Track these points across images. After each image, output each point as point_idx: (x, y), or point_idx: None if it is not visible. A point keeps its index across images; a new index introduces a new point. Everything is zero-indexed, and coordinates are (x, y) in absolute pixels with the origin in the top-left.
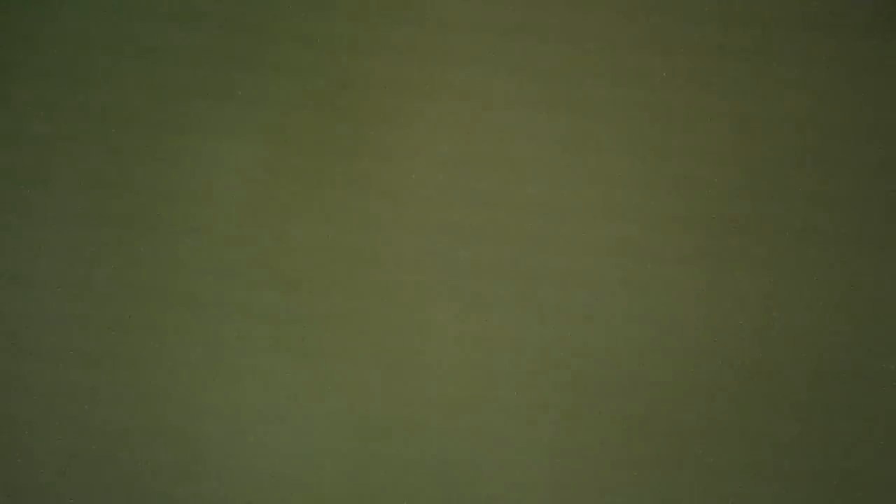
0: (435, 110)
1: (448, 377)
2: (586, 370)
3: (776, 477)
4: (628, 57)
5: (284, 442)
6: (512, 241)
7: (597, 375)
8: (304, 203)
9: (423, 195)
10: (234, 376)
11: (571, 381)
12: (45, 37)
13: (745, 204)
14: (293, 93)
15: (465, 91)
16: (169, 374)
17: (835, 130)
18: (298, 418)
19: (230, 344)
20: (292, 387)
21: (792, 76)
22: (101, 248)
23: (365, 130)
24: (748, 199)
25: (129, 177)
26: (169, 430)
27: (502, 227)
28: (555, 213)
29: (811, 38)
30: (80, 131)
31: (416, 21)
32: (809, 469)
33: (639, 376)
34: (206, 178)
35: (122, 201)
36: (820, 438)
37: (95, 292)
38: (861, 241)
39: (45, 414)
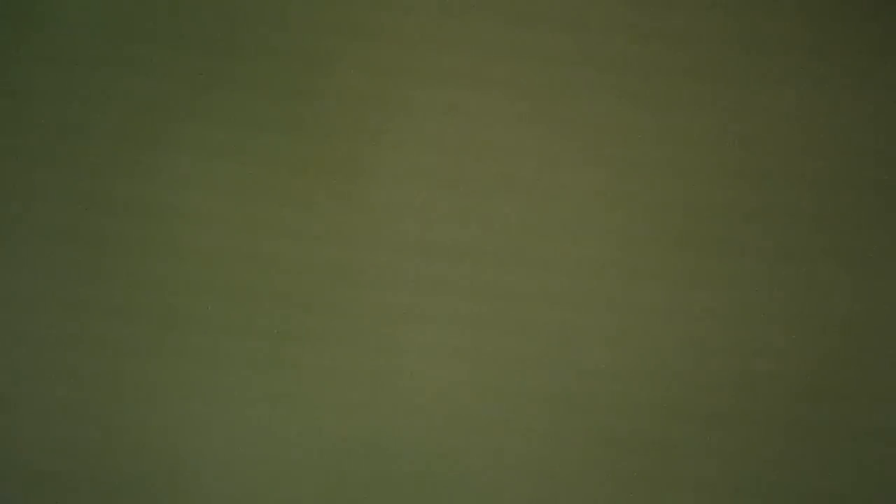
0: (414, 127)
1: (430, 395)
2: (572, 388)
3: (765, 494)
4: (612, 76)
5: (265, 459)
6: (495, 259)
7: (583, 392)
8: (282, 220)
9: (404, 212)
10: (214, 393)
11: (557, 398)
12: (21, 54)
13: (735, 223)
14: (270, 110)
15: (446, 108)
16: (147, 392)
17: (829, 150)
18: (279, 435)
19: (209, 361)
20: (273, 404)
21: (785, 97)
22: (77, 264)
23: (343, 148)
24: (739, 218)
25: (105, 193)
26: (148, 448)
27: (485, 245)
28: (540, 231)
29: (806, 59)
30: (58, 147)
31: (394, 38)
32: (799, 487)
33: (625, 393)
34: (182, 195)
35: (97, 218)
36: (810, 456)
37: (72, 309)
38: (855, 259)
39: (23, 431)
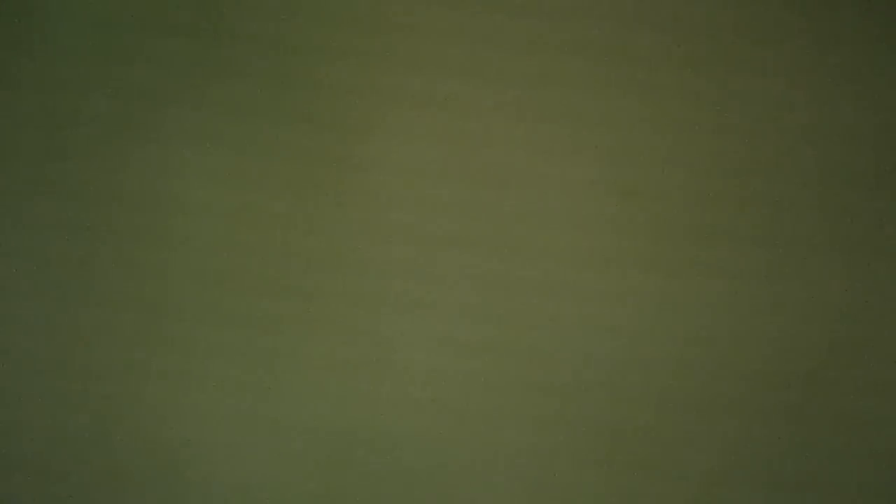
0: (408, 118)
1: (426, 385)
2: (568, 378)
3: (763, 484)
4: (604, 66)
5: (259, 449)
6: (487, 249)
7: (578, 383)
8: (276, 210)
9: (398, 203)
10: (209, 383)
11: (552, 389)
12: (14, 45)
13: (735, 213)
14: (266, 101)
15: (440, 98)
16: (142, 382)
17: (826, 139)
18: (273, 425)
19: (204, 351)
20: (267, 393)
21: (780, 86)
22: (72, 255)
23: (339, 139)
24: (739, 208)
25: (99, 183)
26: (142, 438)
27: (478, 235)
28: (533, 222)
29: (802, 48)
30: (51, 137)
31: (390, 29)
32: (797, 476)
33: (620, 384)
34: (175, 185)
35: (92, 208)
36: (808, 445)
37: (68, 300)
38: (857, 249)
39: (14, 422)
